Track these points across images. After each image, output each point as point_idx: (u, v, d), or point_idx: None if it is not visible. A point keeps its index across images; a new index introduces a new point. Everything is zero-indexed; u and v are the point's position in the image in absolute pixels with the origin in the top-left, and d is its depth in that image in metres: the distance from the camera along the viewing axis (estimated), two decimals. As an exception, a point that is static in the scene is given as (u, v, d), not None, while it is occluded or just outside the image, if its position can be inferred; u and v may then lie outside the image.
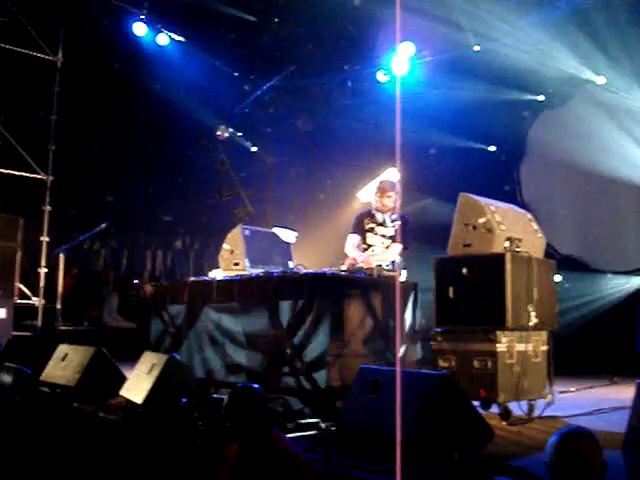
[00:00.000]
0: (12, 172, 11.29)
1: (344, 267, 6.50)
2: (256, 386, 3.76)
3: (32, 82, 11.75)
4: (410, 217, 7.18)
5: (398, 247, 6.90)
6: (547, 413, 5.75)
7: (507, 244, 5.76)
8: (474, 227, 5.86)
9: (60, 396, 6.53)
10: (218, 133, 13.61)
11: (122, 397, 5.89)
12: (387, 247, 7.01)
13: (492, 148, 12.31)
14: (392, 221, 7.05)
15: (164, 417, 5.09)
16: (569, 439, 2.73)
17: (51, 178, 11.42)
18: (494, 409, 5.71)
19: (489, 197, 6.29)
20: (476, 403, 5.49)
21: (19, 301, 10.71)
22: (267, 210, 14.41)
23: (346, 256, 6.97)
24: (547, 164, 11.74)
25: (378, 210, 7.09)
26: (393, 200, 7.04)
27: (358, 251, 6.99)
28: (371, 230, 7.12)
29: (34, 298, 10.93)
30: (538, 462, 3.34)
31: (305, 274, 6.03)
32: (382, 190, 7.07)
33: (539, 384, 5.89)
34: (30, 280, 11.08)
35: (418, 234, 7.32)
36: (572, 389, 7.64)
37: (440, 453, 3.98)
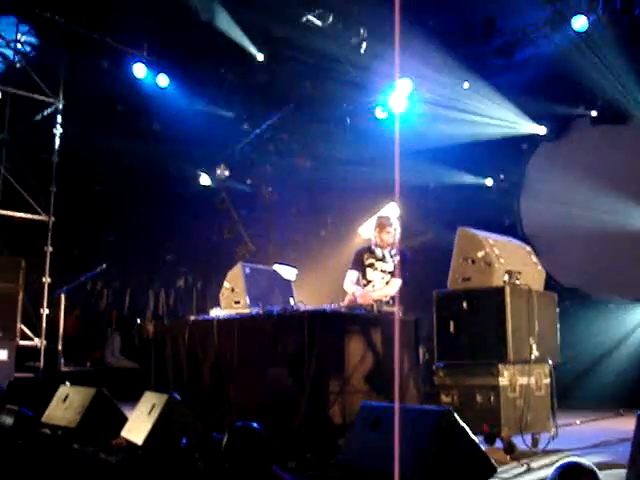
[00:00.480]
0: (14, 213, 11.35)
1: (344, 303, 6.50)
2: (255, 425, 3.74)
3: (34, 124, 11.86)
4: (409, 252, 7.18)
5: (397, 282, 6.89)
6: (551, 446, 5.71)
7: (506, 277, 5.76)
8: (473, 261, 5.87)
9: (61, 438, 6.49)
10: (218, 172, 13.79)
11: (123, 438, 5.85)
12: (387, 282, 7.00)
13: (490, 182, 12.36)
14: (392, 256, 7.05)
15: (165, 458, 5.05)
16: (567, 474, 2.71)
17: (53, 219, 11.47)
18: (498, 444, 5.68)
19: (490, 231, 6.31)
20: (480, 438, 5.48)
21: (21, 342, 10.69)
22: (268, 248, 14.44)
23: (346, 292, 6.97)
24: (547, 196, 11.77)
25: (377, 245, 7.10)
26: (392, 235, 7.06)
27: (357, 287, 6.98)
28: (371, 266, 7.12)
29: (36, 339, 10.91)
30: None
31: (305, 311, 6.02)
32: (380, 226, 7.09)
33: (543, 417, 5.86)
34: (32, 321, 11.08)
35: (419, 269, 7.33)
36: (577, 422, 7.60)
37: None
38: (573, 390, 9.22)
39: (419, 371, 6.74)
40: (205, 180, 14.14)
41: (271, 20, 11.72)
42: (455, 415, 4.32)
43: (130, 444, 5.67)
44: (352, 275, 7.13)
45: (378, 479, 4.15)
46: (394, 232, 7.07)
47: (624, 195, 10.87)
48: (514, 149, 12.10)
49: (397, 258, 7.00)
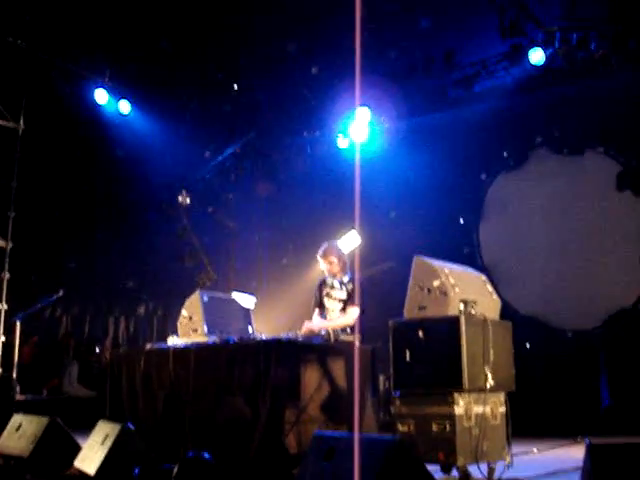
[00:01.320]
0: (-29, 239, 11.21)
1: (301, 332, 6.51)
2: (206, 455, 3.71)
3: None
4: (362, 280, 7.18)
5: (355, 311, 6.90)
6: (507, 475, 5.72)
7: (462, 306, 5.79)
8: (429, 290, 5.90)
9: (14, 468, 6.38)
10: (180, 199, 13.75)
11: (76, 468, 5.78)
12: (342, 309, 7.02)
13: (450, 211, 12.46)
14: (342, 284, 7.09)
15: (116, 488, 4.99)
16: None
17: (10, 245, 11.32)
18: (454, 473, 5.68)
19: (449, 259, 6.36)
20: (436, 467, 5.48)
21: (-25, 371, 10.51)
22: (229, 275, 14.39)
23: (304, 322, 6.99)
24: (505, 225, 11.92)
25: (328, 275, 7.16)
26: (336, 263, 7.09)
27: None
28: (327, 295, 7.17)
29: (-10, 367, 10.73)
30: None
31: (261, 340, 6.02)
32: (323, 255, 7.14)
33: (498, 446, 5.87)
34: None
35: (379, 297, 7.35)
36: (534, 450, 7.63)
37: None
38: (530, 417, 9.25)
39: (377, 400, 6.75)
40: (166, 206, 14.09)
41: (235, 49, 11.81)
42: (407, 444, 4.33)
43: (83, 474, 5.59)
44: (315, 313, 7.21)
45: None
46: (336, 260, 7.10)
47: (581, 225, 11.04)
48: (473, 178, 12.23)
49: (350, 286, 7.03)
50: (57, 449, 6.29)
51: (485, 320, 5.83)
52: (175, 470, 3.62)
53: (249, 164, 13.85)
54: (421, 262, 6.05)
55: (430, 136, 11.85)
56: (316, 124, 12.56)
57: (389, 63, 11.28)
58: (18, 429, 6.75)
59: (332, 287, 7.15)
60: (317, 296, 7.28)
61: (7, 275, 11.15)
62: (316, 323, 6.95)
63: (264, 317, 8.85)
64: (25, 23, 11.08)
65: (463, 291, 5.89)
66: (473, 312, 5.82)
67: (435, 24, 10.84)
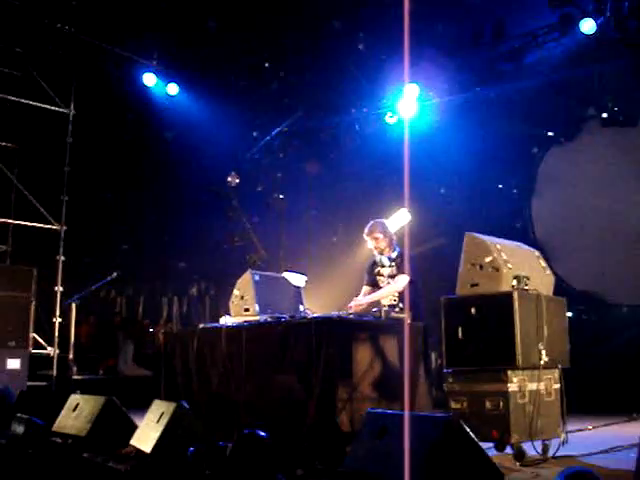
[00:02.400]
0: (26, 223, 11.43)
1: (353, 310, 6.52)
2: (262, 433, 3.73)
3: (45, 134, 11.93)
4: (411, 254, 7.13)
5: (404, 278, 6.87)
6: (562, 452, 5.65)
7: (515, 282, 5.72)
8: (481, 266, 5.84)
9: (71, 446, 6.51)
10: (229, 179, 13.83)
11: (132, 446, 5.86)
12: None
13: (500, 186, 12.29)
14: (391, 260, 7.08)
15: (172, 466, 5.05)
16: None
17: (64, 228, 11.53)
18: (508, 450, 5.64)
19: (502, 235, 6.28)
20: (490, 444, 5.44)
21: (34, 351, 10.75)
22: (279, 254, 14.44)
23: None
24: (558, 199, 11.73)
25: (376, 252, 7.15)
26: (382, 239, 7.08)
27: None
28: (379, 274, 7.17)
29: (49, 348, 10.97)
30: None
31: (312, 318, 6.01)
32: (368, 232, 7.15)
33: (553, 423, 5.81)
34: (45, 330, 11.14)
35: (429, 275, 7.31)
36: (589, 427, 7.53)
37: (448, 497, 3.92)
38: (586, 394, 9.13)
39: (430, 377, 6.71)
40: (216, 187, 14.17)
41: (282, 28, 11.79)
42: (461, 422, 4.30)
43: (139, 452, 5.68)
44: (363, 291, 7.26)
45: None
46: (382, 236, 7.08)
47: (636, 197, 10.82)
48: (525, 153, 12.05)
49: (399, 260, 7.02)
50: (114, 428, 6.39)
51: (539, 296, 5.76)
52: (230, 447, 3.64)
53: (297, 143, 13.84)
54: (472, 238, 5.98)
55: (480, 110, 11.68)
56: (364, 101, 12.47)
57: (437, 37, 11.14)
58: (75, 409, 6.88)
59: (382, 265, 7.14)
60: (367, 275, 7.29)
61: (62, 258, 11.38)
62: (364, 298, 6.96)
63: (314, 295, 8.86)
64: (73, 8, 11.19)
65: (516, 267, 5.82)
66: (526, 288, 5.75)
67: (483, -4, 10.71)
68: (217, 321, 7.54)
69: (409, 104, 11.51)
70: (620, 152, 11.10)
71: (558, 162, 11.83)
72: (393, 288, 6.90)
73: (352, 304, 6.77)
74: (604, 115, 11.08)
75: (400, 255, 7.07)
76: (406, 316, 6.34)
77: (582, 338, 7.37)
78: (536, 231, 11.86)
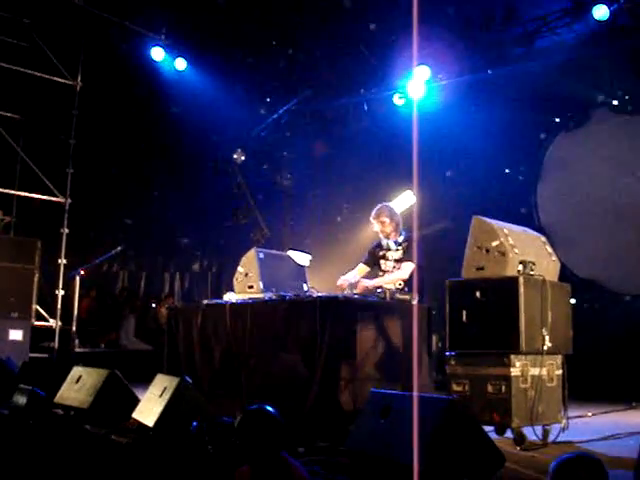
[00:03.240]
0: (31, 195, 11.42)
1: (357, 290, 6.54)
2: (269, 408, 3.73)
3: (51, 106, 11.89)
4: (413, 234, 7.14)
5: (410, 265, 6.89)
6: (562, 438, 5.67)
7: (520, 267, 5.72)
8: (487, 250, 5.83)
9: (73, 418, 6.54)
10: (235, 157, 13.79)
11: (134, 420, 5.89)
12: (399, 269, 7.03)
13: (507, 170, 12.25)
14: (398, 244, 7.08)
15: (175, 440, 5.07)
16: (568, 466, 2.69)
17: (69, 201, 11.53)
18: (508, 434, 5.66)
19: (506, 220, 6.27)
20: (490, 428, 5.46)
21: (36, 323, 10.78)
22: (283, 233, 14.45)
23: (359, 280, 7.01)
24: (564, 186, 11.70)
25: (382, 236, 7.16)
26: (388, 223, 7.10)
27: (351, 276, 7.10)
28: (383, 257, 7.19)
29: (51, 320, 11.00)
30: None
31: (317, 297, 6.02)
32: (375, 216, 7.16)
33: (554, 409, 5.83)
34: (48, 302, 11.16)
35: (435, 257, 7.31)
36: (589, 414, 7.55)
37: (450, 479, 3.94)
38: (586, 382, 9.16)
39: (431, 359, 6.74)
40: (221, 164, 14.14)
41: (291, 6, 11.71)
42: (462, 404, 4.32)
43: (141, 426, 5.70)
44: (359, 267, 7.30)
45: (387, 466, 4.16)
46: (389, 220, 7.09)
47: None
48: (532, 138, 12.01)
49: (406, 244, 7.02)
50: (116, 401, 6.42)
51: (544, 281, 5.76)
52: (238, 420, 3.64)
53: (305, 122, 13.78)
54: (480, 222, 5.97)
55: (489, 94, 11.62)
56: (373, 82, 12.39)
57: (448, 19, 11.05)
58: (78, 381, 6.91)
59: (388, 249, 7.16)
60: (368, 255, 7.33)
61: (66, 230, 11.38)
62: (372, 281, 6.97)
63: (318, 275, 8.86)
64: (83, -20, 11.13)
65: (522, 252, 5.82)
66: (532, 273, 5.75)
67: (495, -22, 10.62)
68: (219, 297, 7.56)
69: (418, 86, 11.44)
70: (629, 140, 11.05)
71: (566, 148, 11.78)
72: (399, 275, 6.92)
73: (360, 285, 6.80)
74: (614, 103, 11.01)
75: (406, 239, 7.09)
76: (412, 297, 6.35)
77: (584, 325, 7.36)
78: (541, 217, 11.83)
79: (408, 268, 6.88)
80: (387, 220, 7.10)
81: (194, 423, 5.11)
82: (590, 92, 11.29)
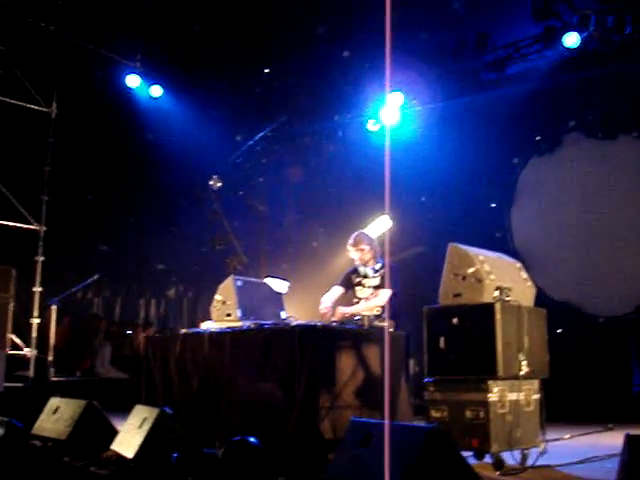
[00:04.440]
0: (5, 222, 11.34)
1: (335, 318, 6.56)
2: (252, 439, 3.75)
3: (26, 133, 11.86)
4: (394, 264, 7.20)
5: (386, 292, 6.92)
6: (540, 462, 5.71)
7: (497, 293, 5.78)
8: (464, 277, 5.89)
9: (51, 450, 6.48)
10: (211, 183, 13.80)
11: (113, 451, 5.85)
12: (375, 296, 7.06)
13: (481, 195, 12.35)
14: (375, 271, 7.12)
15: (155, 472, 5.05)
16: None
17: (44, 228, 11.46)
18: (487, 459, 5.69)
19: (480, 244, 6.33)
20: (469, 453, 5.49)
21: (11, 352, 10.67)
22: (260, 259, 14.45)
23: (336, 307, 7.03)
24: (537, 210, 11.83)
25: (360, 263, 7.18)
26: (367, 251, 7.13)
27: (332, 303, 7.12)
28: (359, 284, 7.23)
29: (26, 349, 10.88)
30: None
31: (296, 326, 6.03)
32: (354, 244, 7.18)
33: (532, 433, 5.87)
34: (22, 331, 11.05)
35: (410, 282, 7.36)
36: (566, 436, 7.59)
37: (431, 507, 3.96)
38: (563, 405, 9.22)
39: (408, 386, 6.76)
40: (197, 190, 14.14)
41: (266, 33, 11.80)
42: (443, 432, 4.34)
43: (120, 458, 5.67)
44: (333, 290, 7.31)
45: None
46: (369, 248, 7.13)
47: (613, 210, 10.94)
48: (505, 162, 12.15)
49: (383, 271, 7.06)
50: (94, 432, 6.37)
51: (520, 307, 5.82)
52: (221, 453, 3.65)
53: (280, 148, 13.87)
54: (456, 249, 6.03)
55: (462, 119, 11.78)
56: (347, 108, 12.52)
57: (421, 46, 11.21)
58: (55, 412, 6.85)
59: (365, 276, 7.19)
60: (344, 278, 7.35)
61: (41, 258, 11.31)
62: (349, 308, 7.00)
63: (294, 300, 8.87)
64: (57, 7, 11.14)
65: (498, 278, 5.88)
66: (508, 299, 5.81)
67: (467, 6, 10.77)
68: (195, 324, 7.55)
69: (391, 112, 11.55)
70: (600, 164, 11.22)
71: (538, 172, 11.93)
72: (376, 302, 6.95)
73: (337, 312, 6.82)
74: (585, 127, 11.20)
75: (384, 266, 7.12)
76: (387, 325, 6.39)
77: (560, 349, 7.43)
78: (515, 241, 11.95)
79: (385, 295, 6.92)
80: (366, 248, 7.14)
81: (175, 454, 5.09)
82: (562, 117, 11.47)
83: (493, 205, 12.19)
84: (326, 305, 7.01)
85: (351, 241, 7.21)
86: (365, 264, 7.16)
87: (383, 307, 6.93)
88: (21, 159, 11.92)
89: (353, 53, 11.74)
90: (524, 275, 6.38)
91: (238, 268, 12.54)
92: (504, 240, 11.85)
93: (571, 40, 9.92)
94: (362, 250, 7.12)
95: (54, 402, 7.04)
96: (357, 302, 7.16)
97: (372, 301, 6.98)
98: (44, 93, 11.73)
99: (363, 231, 7.42)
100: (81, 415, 6.44)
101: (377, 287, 7.09)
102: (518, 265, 6.51)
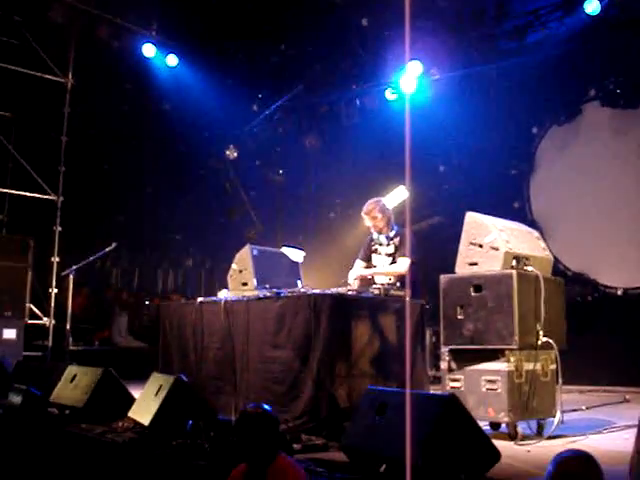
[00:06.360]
0: (23, 193, 11.39)
1: (351, 286, 6.54)
2: (267, 407, 3.74)
3: (42, 103, 11.85)
4: (406, 230, 7.12)
5: (406, 261, 6.88)
6: (557, 432, 5.69)
7: (514, 262, 5.74)
8: (480, 246, 5.85)
9: (68, 417, 6.55)
10: (227, 153, 13.78)
11: (130, 418, 5.90)
12: (391, 264, 7.03)
13: (499, 165, 12.23)
14: (389, 239, 7.09)
15: (171, 439, 5.08)
16: (563, 465, 2.70)
17: (61, 199, 11.50)
18: (503, 429, 5.68)
19: (499, 214, 6.29)
20: (485, 423, 5.48)
21: (30, 321, 10.77)
22: (276, 229, 14.44)
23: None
24: (556, 180, 11.70)
25: (374, 231, 7.16)
26: (380, 219, 7.08)
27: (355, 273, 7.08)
28: (375, 251, 7.20)
29: (45, 318, 10.98)
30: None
31: (312, 294, 6.01)
32: (367, 212, 7.13)
33: (548, 403, 5.85)
34: (41, 300, 11.14)
35: (427, 252, 7.32)
36: (583, 407, 7.58)
37: (446, 475, 3.95)
38: (580, 376, 9.19)
39: (425, 355, 6.75)
40: (214, 160, 14.13)
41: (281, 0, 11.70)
42: (459, 401, 4.33)
43: (137, 425, 5.71)
44: (356, 265, 7.27)
45: (383, 462, 4.17)
46: (381, 215, 7.08)
47: (634, 180, 10.80)
48: (524, 131, 12.01)
49: (397, 240, 7.03)
50: (111, 400, 6.43)
51: (537, 276, 5.77)
52: (235, 419, 3.65)
53: (297, 118, 13.78)
54: (473, 218, 6.00)
55: (480, 88, 11.64)
56: (365, 77, 12.39)
57: (440, 14, 11.05)
58: (73, 380, 6.91)
59: (380, 244, 7.16)
60: (363, 251, 7.31)
61: (59, 228, 11.36)
62: (368, 270, 6.99)
63: (311, 271, 8.85)
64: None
65: (516, 247, 5.84)
66: (525, 268, 5.77)
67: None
68: (212, 294, 7.55)
69: (410, 80, 11.44)
70: (619, 134, 11.06)
71: (558, 142, 11.77)
72: (397, 269, 6.90)
73: (354, 276, 6.82)
74: (605, 96, 11.03)
75: (398, 234, 7.08)
76: (406, 294, 6.35)
77: (576, 319, 7.37)
78: (534, 211, 11.84)
79: (404, 263, 6.87)
80: (379, 215, 7.10)
81: (190, 422, 5.12)
82: (582, 86, 11.30)
83: (512, 173, 12.06)
84: (352, 282, 6.97)
85: (364, 209, 7.17)
86: (379, 231, 7.12)
87: (399, 276, 6.88)
88: (38, 130, 11.92)
89: (371, 22, 11.60)
90: (542, 244, 6.33)
91: (255, 238, 12.57)
92: (522, 210, 11.73)
93: (592, 7, 9.75)
94: (375, 218, 7.08)
95: (72, 370, 7.10)
96: (374, 268, 7.16)
97: (393, 267, 6.94)
98: (60, 64, 11.71)
99: (377, 198, 7.36)
100: (98, 383, 6.50)
101: (391, 255, 7.05)
102: (536, 234, 6.46)
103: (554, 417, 5.81)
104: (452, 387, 5.79)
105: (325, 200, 14.51)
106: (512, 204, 11.84)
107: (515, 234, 6.07)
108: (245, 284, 7.00)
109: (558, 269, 9.94)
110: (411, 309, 6.38)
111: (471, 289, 5.76)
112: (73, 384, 6.85)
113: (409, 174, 9.57)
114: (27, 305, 10.68)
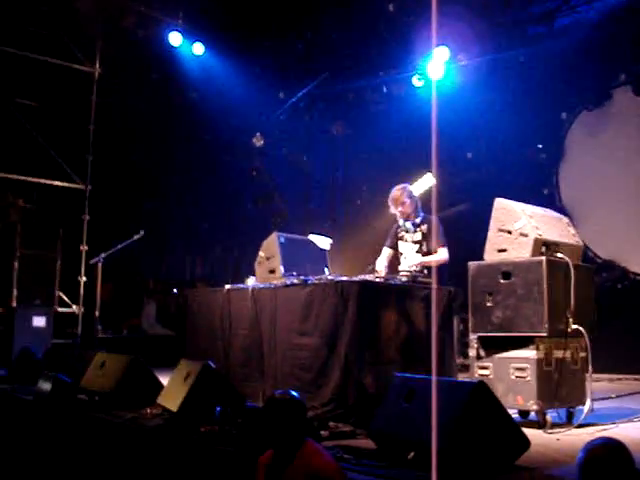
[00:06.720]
0: (52, 182, 11.47)
1: (379, 274, 6.53)
2: (294, 393, 3.74)
3: (70, 93, 11.91)
4: (433, 217, 7.07)
5: (444, 251, 6.92)
6: (587, 421, 5.64)
7: (543, 249, 5.68)
8: (509, 232, 5.80)
9: (98, 404, 6.60)
10: (254, 140, 13.79)
11: (159, 405, 5.94)
12: (418, 251, 7.01)
13: (529, 151, 12.11)
14: (416, 225, 7.06)
15: (199, 425, 5.10)
16: (594, 452, 2.68)
17: (90, 187, 11.58)
18: (532, 417, 5.64)
19: (528, 201, 6.22)
20: (514, 411, 5.44)
21: (59, 309, 10.87)
22: (303, 216, 14.42)
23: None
24: (586, 166, 11.57)
25: (400, 217, 7.13)
26: (408, 205, 7.05)
27: (383, 264, 7.10)
28: (401, 238, 7.19)
29: (74, 306, 11.08)
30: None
31: (339, 281, 6.00)
32: (392, 199, 7.11)
33: (578, 391, 5.80)
34: (70, 288, 11.24)
35: (455, 239, 7.26)
36: (613, 395, 7.51)
37: (475, 462, 3.93)
38: (610, 364, 9.10)
39: (453, 342, 6.71)
40: (241, 148, 14.13)
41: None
42: (488, 387, 4.30)
43: (165, 411, 5.74)
44: (383, 253, 7.28)
45: (412, 448, 4.16)
46: (408, 201, 7.05)
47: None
48: (554, 118, 11.89)
49: (424, 227, 7.00)
50: (140, 386, 6.48)
51: (567, 264, 5.71)
52: (263, 406, 3.65)
53: (323, 105, 13.75)
54: (502, 204, 5.94)
55: (509, 74, 11.54)
56: (392, 63, 12.32)
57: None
58: (102, 367, 6.97)
59: (406, 230, 7.13)
60: (390, 239, 7.30)
61: (87, 217, 11.45)
62: (417, 259, 7.00)
63: (338, 258, 8.85)
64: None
65: (545, 234, 5.77)
66: (555, 255, 5.71)
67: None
68: (240, 281, 7.56)
69: (437, 67, 11.35)
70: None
71: (587, 128, 11.63)
72: (441, 258, 6.91)
73: (405, 267, 6.83)
74: (635, 81, 10.87)
75: (424, 221, 7.05)
76: (434, 280, 6.32)
77: (605, 307, 7.29)
78: (563, 197, 11.72)
79: (445, 253, 6.92)
80: (407, 200, 7.07)
81: (218, 408, 5.14)
82: (611, 71, 11.15)
83: (542, 160, 11.93)
84: (381, 269, 6.96)
85: (391, 195, 7.13)
86: (407, 218, 7.09)
87: (427, 265, 6.88)
88: (66, 119, 11.99)
89: (398, 7, 11.50)
90: (572, 231, 6.26)
91: (281, 225, 12.57)
92: (551, 197, 11.63)
93: (622, -11, 9.63)
94: (403, 204, 7.05)
95: (101, 357, 7.15)
96: (401, 255, 7.14)
97: (434, 256, 6.92)
98: (87, 53, 11.77)
99: (404, 185, 7.32)
100: (127, 370, 6.55)
101: (418, 242, 7.03)
102: (566, 220, 6.39)
103: (584, 405, 5.76)
104: (480, 375, 5.75)
105: (352, 187, 14.47)
106: (542, 190, 11.74)
107: (545, 220, 6.01)
108: (272, 271, 6.99)
109: (587, 256, 9.84)
110: (439, 296, 6.34)
111: (500, 276, 5.71)
112: (102, 371, 6.91)
113: (436, 161, 9.53)
114: (57, 293, 10.77)
